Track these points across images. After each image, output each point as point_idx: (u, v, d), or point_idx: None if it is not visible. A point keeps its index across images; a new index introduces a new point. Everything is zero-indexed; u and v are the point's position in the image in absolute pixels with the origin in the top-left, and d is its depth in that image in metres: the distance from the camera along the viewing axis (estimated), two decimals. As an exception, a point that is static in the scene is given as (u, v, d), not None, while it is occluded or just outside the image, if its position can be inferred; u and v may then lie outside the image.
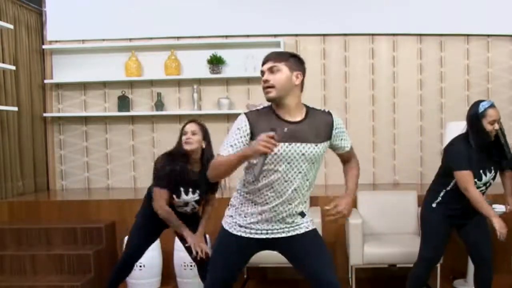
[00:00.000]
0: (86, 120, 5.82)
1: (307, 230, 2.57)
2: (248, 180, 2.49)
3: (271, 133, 2.19)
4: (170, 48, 5.58)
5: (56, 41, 5.80)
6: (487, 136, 3.23)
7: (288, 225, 2.53)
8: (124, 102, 5.67)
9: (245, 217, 2.52)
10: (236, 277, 2.66)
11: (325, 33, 5.61)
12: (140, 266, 4.32)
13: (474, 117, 3.24)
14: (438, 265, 3.99)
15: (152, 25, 5.65)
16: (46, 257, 4.32)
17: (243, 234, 2.54)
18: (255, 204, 2.49)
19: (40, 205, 4.92)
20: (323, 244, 2.61)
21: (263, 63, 2.43)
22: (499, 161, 3.32)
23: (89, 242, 4.54)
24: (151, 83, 5.73)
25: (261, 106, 2.50)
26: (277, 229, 2.53)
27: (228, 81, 5.58)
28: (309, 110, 2.50)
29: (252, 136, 2.38)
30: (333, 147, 2.60)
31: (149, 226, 3.53)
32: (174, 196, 3.36)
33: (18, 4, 5.41)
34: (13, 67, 5.10)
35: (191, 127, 3.33)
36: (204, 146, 3.34)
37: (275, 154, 2.35)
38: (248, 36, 5.63)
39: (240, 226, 2.54)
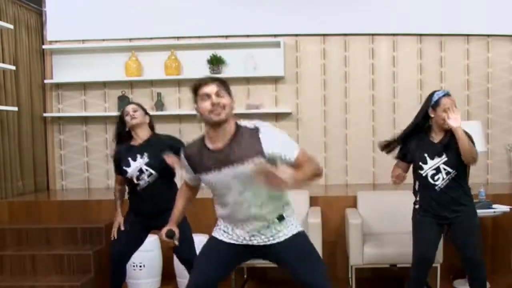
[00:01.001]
0: (86, 120, 5.82)
1: (287, 237, 2.54)
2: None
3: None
4: (170, 48, 5.58)
5: (56, 41, 5.80)
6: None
7: (267, 236, 2.53)
8: (124, 102, 5.65)
9: (227, 228, 2.60)
10: (215, 283, 2.62)
11: (325, 33, 5.61)
12: (140, 266, 4.33)
13: (427, 105, 3.35)
14: (438, 265, 4.00)
15: (152, 25, 5.64)
16: (46, 257, 4.32)
17: (225, 240, 2.58)
18: (228, 223, 2.58)
19: (40, 205, 4.92)
20: (308, 247, 2.58)
21: (203, 85, 2.43)
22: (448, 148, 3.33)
23: (89, 242, 4.54)
24: (151, 83, 5.73)
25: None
26: (257, 240, 2.54)
27: (228, 81, 5.56)
28: (239, 128, 2.45)
29: (194, 169, 2.54)
30: (276, 161, 2.36)
31: (131, 223, 3.64)
32: (125, 168, 3.52)
33: (18, 4, 5.41)
34: (13, 67, 5.10)
35: (130, 106, 3.64)
36: (148, 120, 3.66)
37: (209, 182, 2.49)
38: (248, 36, 5.63)
39: (224, 232, 2.59)
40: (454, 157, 3.26)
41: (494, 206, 4.18)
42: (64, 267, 4.30)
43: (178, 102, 5.69)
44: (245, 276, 4.64)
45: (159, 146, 3.54)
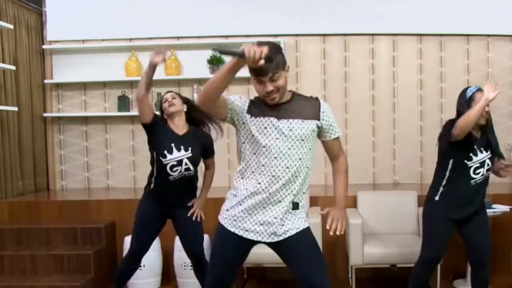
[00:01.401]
0: (86, 120, 5.82)
1: (298, 231, 2.54)
2: (241, 157, 2.56)
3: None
4: (170, 48, 5.58)
5: (56, 41, 5.80)
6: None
7: (278, 223, 2.50)
8: (124, 102, 5.67)
9: (239, 205, 2.52)
10: (235, 275, 2.67)
11: (325, 33, 5.61)
12: (140, 266, 4.32)
13: (463, 102, 3.39)
14: (438, 265, 3.99)
15: (152, 25, 5.64)
16: (46, 257, 4.32)
17: (236, 232, 2.54)
18: (248, 189, 2.50)
19: (40, 205, 4.92)
20: (315, 245, 2.59)
21: (260, 74, 2.37)
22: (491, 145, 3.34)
23: (89, 242, 4.54)
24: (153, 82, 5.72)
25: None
26: (268, 231, 2.51)
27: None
28: (294, 94, 2.56)
29: (249, 109, 2.51)
30: (320, 133, 2.56)
31: (151, 212, 3.59)
32: (166, 153, 3.47)
33: (18, 4, 5.41)
34: (13, 67, 5.11)
35: (169, 93, 3.69)
36: (185, 109, 3.65)
37: (265, 128, 2.44)
38: (248, 36, 5.62)
39: (234, 219, 2.53)
40: (494, 154, 3.32)
41: (494, 206, 4.18)
42: (64, 267, 4.30)
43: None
44: (245, 276, 4.64)
45: (200, 141, 3.57)
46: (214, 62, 5.50)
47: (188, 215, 3.59)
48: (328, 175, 5.61)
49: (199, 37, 5.68)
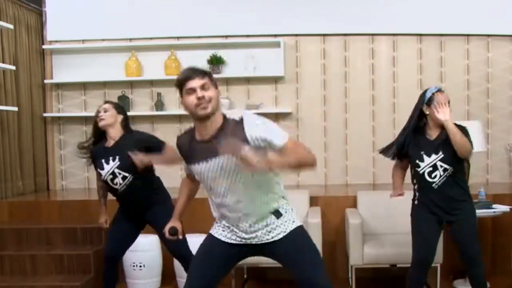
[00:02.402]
0: (86, 120, 5.82)
1: (285, 234, 2.49)
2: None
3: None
4: (170, 48, 5.58)
5: (56, 41, 5.80)
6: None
7: (264, 231, 2.49)
8: (124, 102, 5.65)
9: (223, 226, 2.57)
10: (214, 284, 2.58)
11: (325, 33, 5.61)
12: (140, 266, 4.33)
13: (422, 102, 3.36)
14: (438, 265, 3.99)
15: (152, 25, 5.64)
16: (46, 257, 4.32)
17: (223, 238, 2.55)
18: (222, 219, 2.56)
19: (40, 205, 4.92)
20: (308, 244, 2.54)
21: (187, 79, 2.36)
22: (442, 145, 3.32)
23: (89, 242, 4.54)
24: (151, 83, 5.73)
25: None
26: (255, 239, 2.51)
27: (228, 81, 5.58)
28: (226, 121, 2.40)
29: (184, 158, 2.54)
30: (261, 147, 2.31)
31: (121, 219, 3.62)
32: (100, 171, 3.49)
33: (18, 4, 5.41)
34: (13, 67, 5.11)
35: (102, 106, 3.54)
36: (120, 121, 3.52)
37: (198, 174, 2.44)
38: (248, 36, 5.63)
39: (223, 230, 2.56)
40: (450, 154, 3.25)
41: (494, 206, 4.18)
42: (64, 267, 4.30)
43: (178, 102, 5.68)
44: (245, 276, 4.64)
45: (129, 146, 3.40)
46: (214, 62, 5.50)
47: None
48: (328, 175, 5.62)
49: (199, 37, 5.68)
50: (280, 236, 2.49)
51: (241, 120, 2.35)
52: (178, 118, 5.67)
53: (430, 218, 3.35)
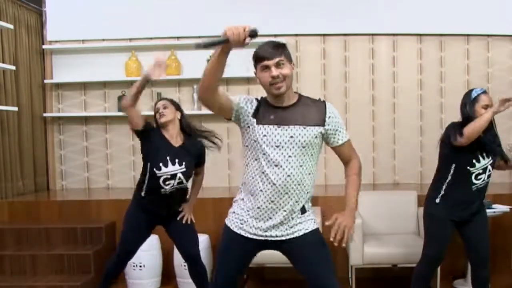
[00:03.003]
0: (86, 120, 5.82)
1: (306, 232, 2.52)
2: (244, 161, 2.52)
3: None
4: (170, 48, 5.58)
5: (56, 41, 5.80)
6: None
7: (286, 226, 2.49)
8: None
9: (247, 210, 2.51)
10: (240, 276, 2.66)
11: (325, 33, 5.61)
12: (140, 266, 4.33)
13: (468, 103, 3.30)
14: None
15: (152, 25, 5.64)
16: (46, 257, 4.33)
17: (243, 234, 2.53)
18: (253, 196, 2.47)
19: (40, 205, 4.92)
20: (324, 245, 2.56)
21: (266, 58, 2.38)
22: (492, 149, 3.31)
23: (89, 242, 4.54)
24: (151, 83, 5.71)
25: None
26: (276, 233, 2.50)
27: (228, 81, 5.57)
28: (301, 97, 2.50)
29: (256, 113, 2.45)
30: (326, 139, 2.51)
31: (140, 220, 3.54)
32: (161, 165, 3.40)
33: (18, 4, 5.41)
34: (13, 67, 5.11)
35: (161, 103, 3.58)
36: (179, 118, 3.57)
37: (264, 136, 2.40)
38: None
39: (242, 223, 2.52)
40: (495, 160, 3.30)
41: (494, 206, 4.18)
42: (64, 267, 4.30)
43: (178, 102, 5.67)
44: (245, 276, 4.64)
45: (197, 154, 3.54)
46: (214, 62, 5.50)
47: (178, 218, 3.56)
48: (328, 175, 5.62)
49: (199, 37, 5.66)
50: (301, 233, 2.51)
51: (323, 102, 2.48)
52: (178, 118, 5.66)
53: (450, 217, 3.34)
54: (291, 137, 2.40)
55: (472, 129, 3.16)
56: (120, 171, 5.79)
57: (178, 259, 4.38)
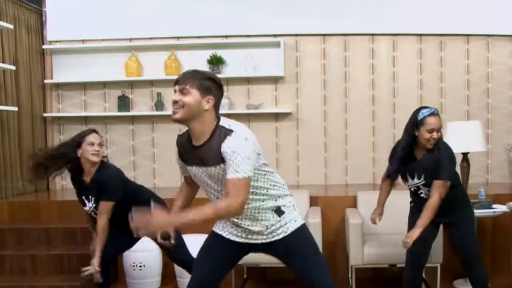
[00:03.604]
0: (86, 120, 5.82)
1: (286, 234, 2.48)
2: None
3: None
4: (170, 48, 5.59)
5: (56, 41, 5.80)
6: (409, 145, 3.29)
7: (264, 233, 2.48)
8: (124, 102, 5.67)
9: (226, 222, 2.57)
10: (216, 281, 2.60)
11: (325, 33, 5.61)
12: (140, 266, 4.33)
13: (413, 123, 3.27)
14: (438, 265, 4.00)
15: (152, 25, 5.65)
16: (46, 257, 4.32)
17: (226, 235, 2.55)
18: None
19: (40, 205, 4.92)
20: (309, 244, 2.54)
21: (176, 82, 2.34)
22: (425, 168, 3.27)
23: (89, 242, 4.53)
24: (151, 83, 5.73)
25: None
26: (256, 239, 2.50)
27: (228, 81, 5.57)
28: (215, 132, 2.32)
29: (180, 157, 2.51)
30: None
31: (118, 236, 3.48)
32: (83, 206, 3.42)
33: (18, 4, 5.41)
34: (13, 67, 5.11)
35: (97, 138, 3.37)
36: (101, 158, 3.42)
37: (192, 175, 2.45)
38: (248, 36, 5.63)
39: (225, 227, 2.57)
40: (431, 181, 3.22)
41: (494, 206, 4.18)
42: (64, 267, 4.30)
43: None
44: (245, 276, 4.64)
45: (100, 186, 3.32)
46: (214, 62, 5.50)
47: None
48: (328, 175, 5.62)
49: (199, 37, 5.68)
50: (281, 236, 2.48)
51: (229, 133, 2.28)
52: (178, 118, 5.66)
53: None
54: (209, 175, 2.37)
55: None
56: (120, 171, 5.78)
57: (178, 259, 4.39)
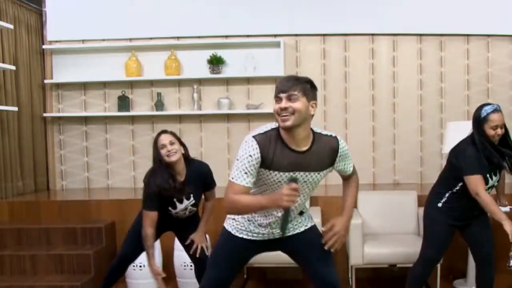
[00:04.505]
0: (86, 120, 5.82)
1: (306, 228, 2.61)
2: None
3: (293, 185, 2.20)
4: (170, 48, 5.58)
5: (56, 41, 5.80)
6: (489, 141, 3.20)
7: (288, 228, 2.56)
8: (124, 102, 5.67)
9: (248, 220, 2.56)
10: (234, 277, 2.67)
11: (325, 33, 5.61)
12: (140, 266, 4.32)
13: (477, 121, 3.24)
14: (438, 265, 3.99)
15: (152, 25, 5.64)
16: (46, 257, 4.32)
17: (245, 236, 2.57)
18: (260, 217, 2.53)
19: (40, 205, 4.92)
20: (321, 242, 2.59)
21: (280, 91, 2.30)
22: (501, 164, 3.26)
23: (89, 242, 4.54)
24: (151, 83, 5.73)
25: (268, 128, 2.39)
26: (275, 230, 2.54)
27: (228, 81, 5.58)
28: (315, 138, 2.41)
29: (263, 161, 2.33)
30: (336, 170, 2.61)
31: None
32: (171, 209, 3.40)
33: (18, 4, 5.41)
34: (13, 67, 5.10)
35: (167, 138, 3.33)
36: (183, 152, 3.39)
37: (279, 182, 2.36)
38: (248, 36, 5.62)
39: (243, 230, 2.57)
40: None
41: (494, 206, 4.16)
42: (64, 267, 4.30)
43: (178, 102, 5.69)
44: (245, 276, 4.64)
45: (199, 183, 3.41)
46: (214, 62, 5.50)
47: (191, 253, 3.51)
48: (328, 175, 5.60)
49: (199, 37, 5.68)
50: (302, 229, 2.59)
51: (336, 142, 2.48)
52: (178, 118, 5.66)
53: (451, 222, 3.34)
54: (305, 182, 2.42)
55: (484, 203, 3.13)
56: (120, 171, 5.79)
57: (178, 259, 4.39)
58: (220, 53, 5.52)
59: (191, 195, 3.41)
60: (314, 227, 2.64)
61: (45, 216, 4.84)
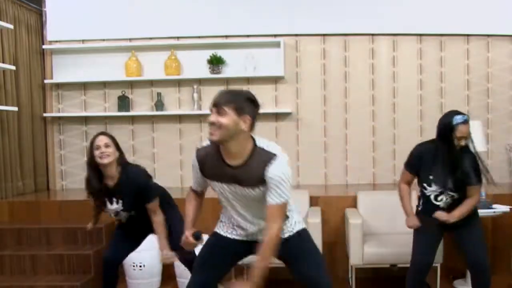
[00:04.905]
0: (86, 120, 5.82)
1: (290, 234, 2.56)
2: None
3: (191, 240, 2.52)
4: (170, 48, 5.58)
5: (56, 41, 5.80)
6: (450, 148, 3.24)
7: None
8: (124, 102, 5.67)
9: (232, 224, 2.62)
10: (216, 281, 2.66)
11: (325, 33, 5.61)
12: (140, 266, 4.33)
13: (444, 127, 3.27)
14: (438, 265, 4.00)
15: (152, 25, 5.65)
16: (46, 257, 4.33)
17: (229, 236, 2.61)
18: (232, 222, 2.61)
19: (40, 205, 4.92)
20: (311, 245, 2.61)
21: (213, 104, 2.32)
22: (462, 179, 3.24)
23: (89, 242, 4.54)
24: (151, 83, 5.73)
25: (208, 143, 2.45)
26: (260, 237, 2.53)
27: (228, 81, 5.58)
28: (254, 153, 2.34)
29: (202, 171, 2.48)
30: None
31: (124, 238, 3.58)
32: (104, 206, 3.42)
33: (18, 4, 5.41)
34: (13, 67, 5.10)
35: (103, 140, 3.34)
36: (117, 156, 3.35)
37: (224, 191, 2.44)
38: (248, 36, 5.62)
39: (228, 229, 2.63)
40: (460, 183, 3.23)
41: (494, 206, 4.18)
42: (64, 267, 4.30)
43: (178, 102, 5.69)
44: (245, 276, 4.63)
45: (132, 192, 3.30)
46: (214, 62, 5.50)
47: (160, 262, 3.55)
48: (328, 175, 5.62)
49: (199, 37, 5.68)
50: (286, 236, 2.54)
51: (271, 158, 2.30)
52: (178, 118, 5.66)
53: (432, 222, 3.32)
54: (244, 196, 2.42)
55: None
56: (120, 171, 5.78)
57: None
58: (220, 53, 5.53)
59: (120, 201, 3.35)
60: (300, 232, 2.59)
61: (45, 216, 4.84)
